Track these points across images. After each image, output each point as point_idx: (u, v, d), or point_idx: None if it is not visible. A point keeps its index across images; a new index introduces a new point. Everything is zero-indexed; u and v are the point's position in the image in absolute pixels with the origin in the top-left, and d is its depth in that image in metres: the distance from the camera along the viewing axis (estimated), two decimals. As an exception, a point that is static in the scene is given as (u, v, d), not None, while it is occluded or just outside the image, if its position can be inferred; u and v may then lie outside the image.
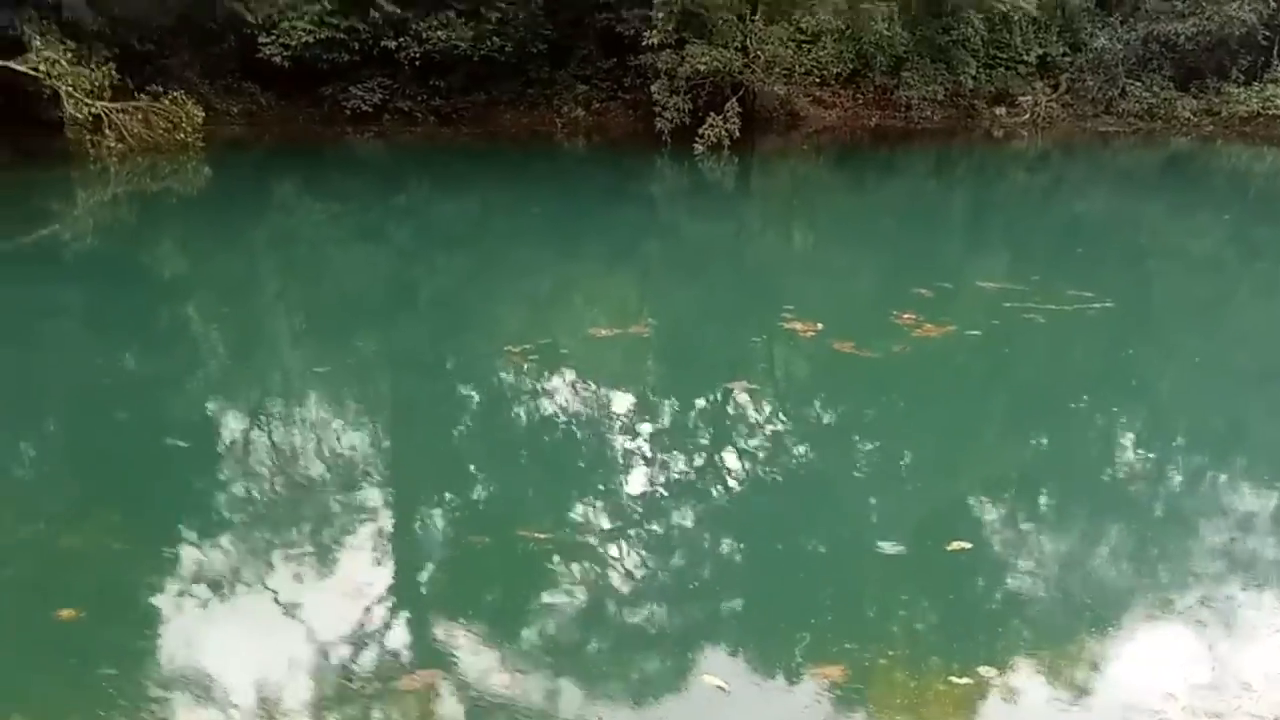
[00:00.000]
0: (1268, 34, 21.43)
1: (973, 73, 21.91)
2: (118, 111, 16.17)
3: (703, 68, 18.42)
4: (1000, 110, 22.79)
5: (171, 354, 7.98)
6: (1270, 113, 21.28)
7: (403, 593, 4.50)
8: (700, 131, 18.22)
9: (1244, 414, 7.16)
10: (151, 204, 14.86)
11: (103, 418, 6.44)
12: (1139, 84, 22.14)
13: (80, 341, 8.26)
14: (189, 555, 4.73)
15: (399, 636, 4.17)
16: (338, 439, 6.18)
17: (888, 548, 4.79)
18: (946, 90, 21.75)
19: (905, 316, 8.39)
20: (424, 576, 4.72)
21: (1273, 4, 20.98)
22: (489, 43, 19.77)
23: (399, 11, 19.08)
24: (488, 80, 20.77)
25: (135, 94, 17.02)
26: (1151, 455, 6.55)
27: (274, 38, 18.95)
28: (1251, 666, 3.94)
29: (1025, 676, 3.90)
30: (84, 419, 6.53)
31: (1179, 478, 6.21)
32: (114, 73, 16.51)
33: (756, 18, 19.63)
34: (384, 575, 4.63)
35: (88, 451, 5.99)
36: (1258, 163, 20.18)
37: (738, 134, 18.49)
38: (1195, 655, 4.06)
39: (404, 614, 4.33)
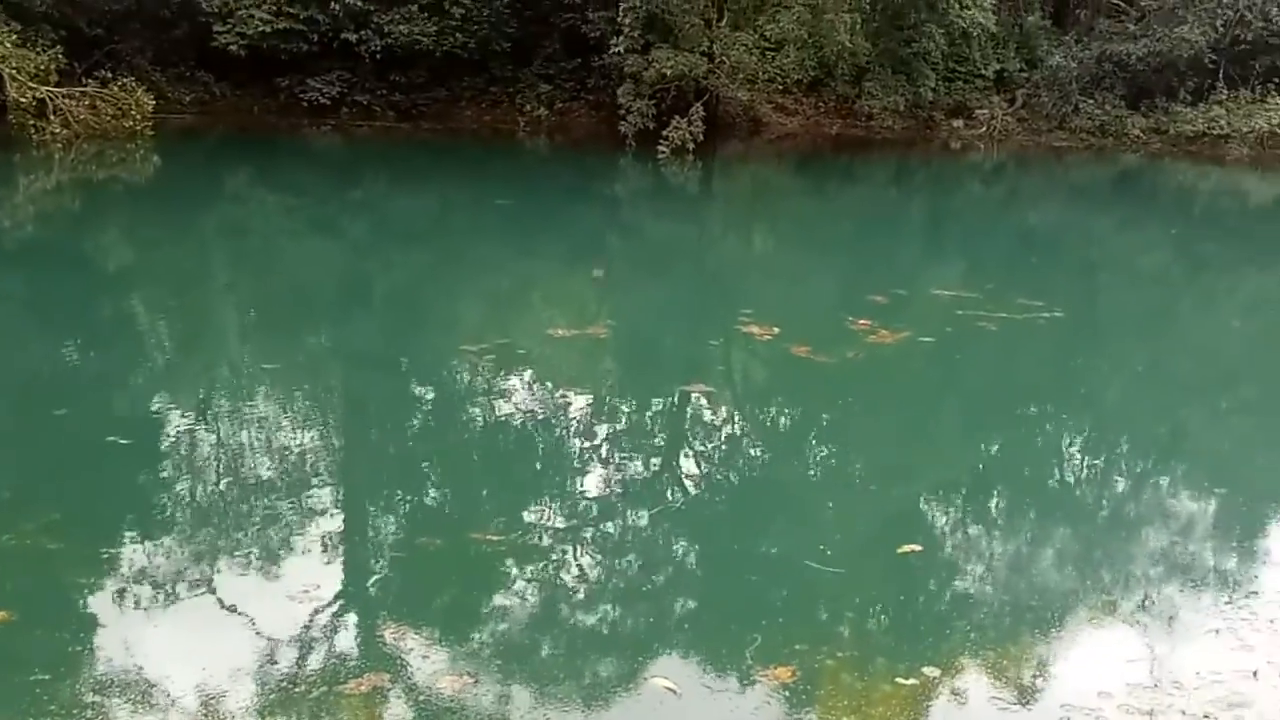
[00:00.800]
0: (1214, 57, 22.08)
1: (932, 85, 22.27)
2: (63, 97, 15.75)
3: (668, 72, 18.48)
4: (958, 123, 23.19)
5: (115, 347, 7.77)
6: (1215, 133, 21.93)
7: (350, 595, 4.41)
8: (664, 135, 18.27)
9: (1186, 422, 7.36)
10: (97, 192, 14.49)
11: (41, 412, 6.23)
12: (1091, 101, 22.67)
13: (19, 332, 8.01)
14: (128, 556, 4.59)
15: (345, 640, 4.08)
16: (286, 438, 6.06)
17: (838, 552, 4.81)
18: (907, 101, 22.06)
19: (861, 322, 8.48)
20: (373, 579, 4.64)
21: (1220, 28, 21.60)
22: (452, 38, 19.63)
23: (361, 4, 18.85)
24: (449, 76, 20.62)
25: (83, 79, 16.60)
26: (1097, 461, 6.69)
27: (230, 26, 18.63)
28: (1185, 665, 4.04)
29: (969, 677, 3.95)
30: (21, 413, 6.32)
31: (1123, 483, 6.35)
32: (61, 56, 16.09)
33: (722, 24, 19.74)
34: (331, 577, 4.54)
35: (24, 447, 5.78)
36: (1202, 180, 20.78)
37: (701, 138, 18.58)
38: (1133, 655, 4.14)
39: (351, 617, 4.25)
